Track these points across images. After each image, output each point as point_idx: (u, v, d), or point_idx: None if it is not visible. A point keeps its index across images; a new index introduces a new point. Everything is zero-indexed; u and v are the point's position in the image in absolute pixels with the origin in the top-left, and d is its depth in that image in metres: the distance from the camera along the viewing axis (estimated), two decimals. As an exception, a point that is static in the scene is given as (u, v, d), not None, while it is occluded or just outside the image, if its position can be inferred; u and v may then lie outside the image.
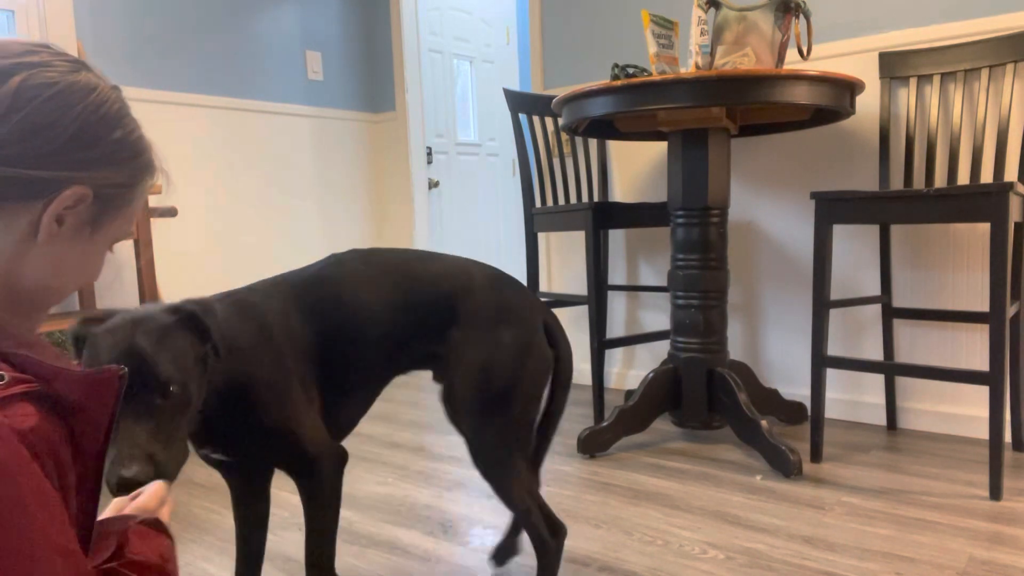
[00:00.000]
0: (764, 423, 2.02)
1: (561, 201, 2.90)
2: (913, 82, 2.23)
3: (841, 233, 2.43)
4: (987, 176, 2.16)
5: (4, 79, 0.65)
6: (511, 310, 1.23)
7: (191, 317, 0.97)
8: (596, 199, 2.94)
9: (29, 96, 0.65)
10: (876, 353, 2.40)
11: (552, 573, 1.28)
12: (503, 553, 1.52)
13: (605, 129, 2.45)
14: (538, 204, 2.79)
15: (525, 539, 1.57)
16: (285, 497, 1.89)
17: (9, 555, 0.55)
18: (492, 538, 1.65)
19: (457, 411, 1.24)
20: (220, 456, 1.15)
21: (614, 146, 2.94)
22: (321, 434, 1.17)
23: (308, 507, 1.18)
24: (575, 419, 2.54)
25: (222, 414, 1.07)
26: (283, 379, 1.12)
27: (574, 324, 3.05)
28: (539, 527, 1.26)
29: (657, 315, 2.90)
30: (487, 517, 1.77)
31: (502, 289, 1.25)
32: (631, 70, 2.13)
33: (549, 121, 2.79)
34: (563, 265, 3.15)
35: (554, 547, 1.27)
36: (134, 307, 1.01)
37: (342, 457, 1.19)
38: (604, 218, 2.42)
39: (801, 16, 2.00)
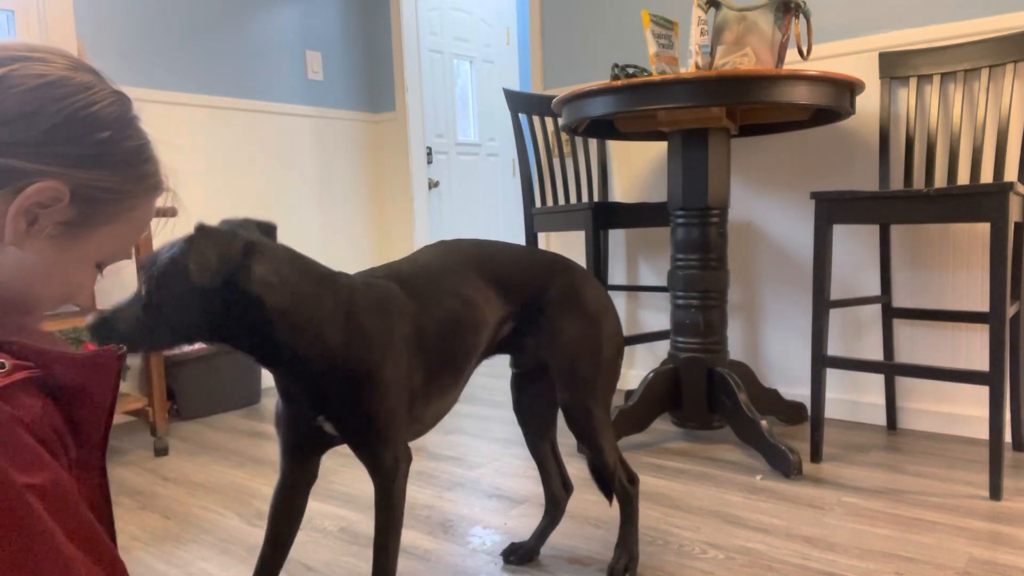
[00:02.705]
0: (764, 423, 2.02)
1: (561, 201, 2.90)
2: (913, 82, 2.23)
3: (841, 233, 2.43)
4: (987, 176, 2.16)
5: None
6: (597, 292, 1.38)
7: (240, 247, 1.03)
8: (596, 199, 2.94)
9: (11, 84, 0.61)
10: (876, 353, 2.40)
11: (634, 518, 1.46)
12: (524, 554, 1.53)
13: (605, 129, 2.45)
14: (538, 204, 2.79)
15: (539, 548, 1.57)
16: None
17: (30, 546, 0.54)
18: (492, 538, 1.65)
19: (559, 383, 1.35)
20: (330, 429, 1.15)
21: (614, 146, 2.94)
22: (405, 435, 1.19)
23: (383, 508, 1.17)
24: (575, 419, 2.54)
25: (341, 393, 1.10)
26: (399, 376, 1.15)
27: (574, 324, 3.05)
28: (623, 481, 1.43)
29: (657, 315, 2.90)
30: (487, 517, 1.77)
31: (582, 273, 1.38)
32: (631, 70, 2.13)
33: (549, 121, 2.79)
34: (563, 265, 3.15)
35: (634, 495, 1.45)
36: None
37: (410, 455, 1.22)
38: (604, 218, 2.42)
39: (801, 16, 2.00)
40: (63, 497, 0.57)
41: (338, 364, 1.10)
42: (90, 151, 0.64)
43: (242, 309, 1.02)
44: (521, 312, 1.33)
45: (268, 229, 1.15)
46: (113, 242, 0.69)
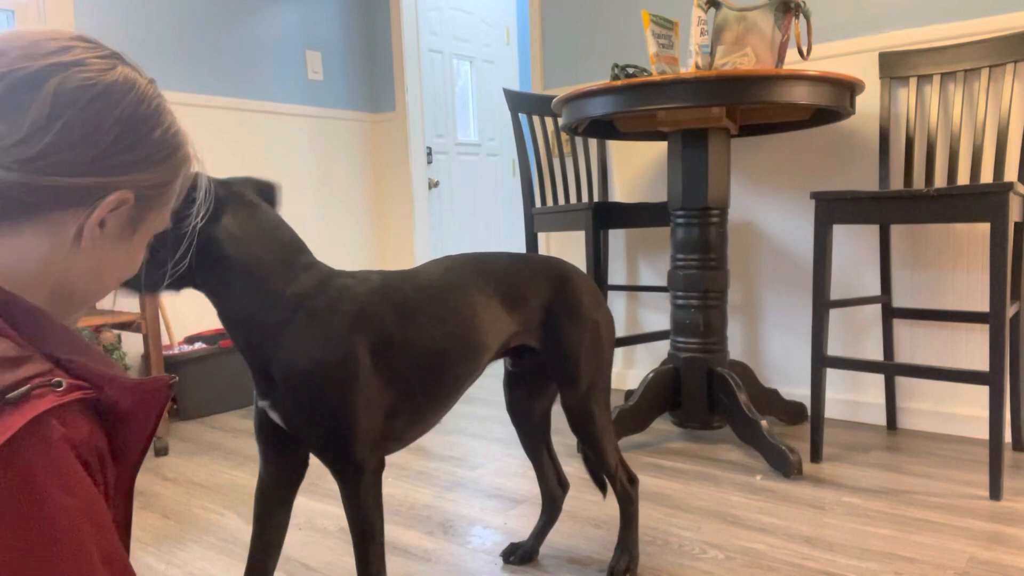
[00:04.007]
0: (764, 423, 2.02)
1: (561, 201, 2.90)
2: (913, 82, 2.23)
3: (841, 233, 2.43)
4: (987, 176, 2.16)
5: (39, 84, 0.62)
6: (594, 294, 1.39)
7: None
8: (596, 199, 2.94)
9: (68, 101, 0.63)
10: (876, 353, 2.40)
11: (634, 519, 1.47)
12: (524, 554, 1.53)
13: (605, 129, 2.45)
14: (538, 204, 2.79)
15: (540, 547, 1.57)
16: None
17: (66, 568, 0.55)
18: (492, 538, 1.65)
19: (563, 386, 1.36)
20: (276, 418, 1.12)
21: (614, 146, 2.94)
22: (373, 439, 1.13)
23: (350, 519, 1.14)
24: (575, 419, 2.54)
25: (283, 381, 1.07)
26: (354, 371, 1.09)
27: (574, 324, 3.04)
28: (624, 481, 1.45)
29: (657, 315, 2.90)
30: (487, 517, 1.77)
31: (579, 276, 1.39)
32: (631, 70, 2.13)
33: (549, 121, 2.79)
34: (563, 265, 3.15)
35: (634, 496, 1.47)
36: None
37: (382, 464, 1.16)
38: (604, 218, 2.42)
39: (801, 16, 2.00)
40: (98, 520, 0.59)
41: (275, 348, 1.06)
42: (146, 152, 0.68)
43: (202, 254, 1.04)
44: (527, 325, 1.32)
45: (265, 189, 1.15)
46: (161, 221, 0.75)
